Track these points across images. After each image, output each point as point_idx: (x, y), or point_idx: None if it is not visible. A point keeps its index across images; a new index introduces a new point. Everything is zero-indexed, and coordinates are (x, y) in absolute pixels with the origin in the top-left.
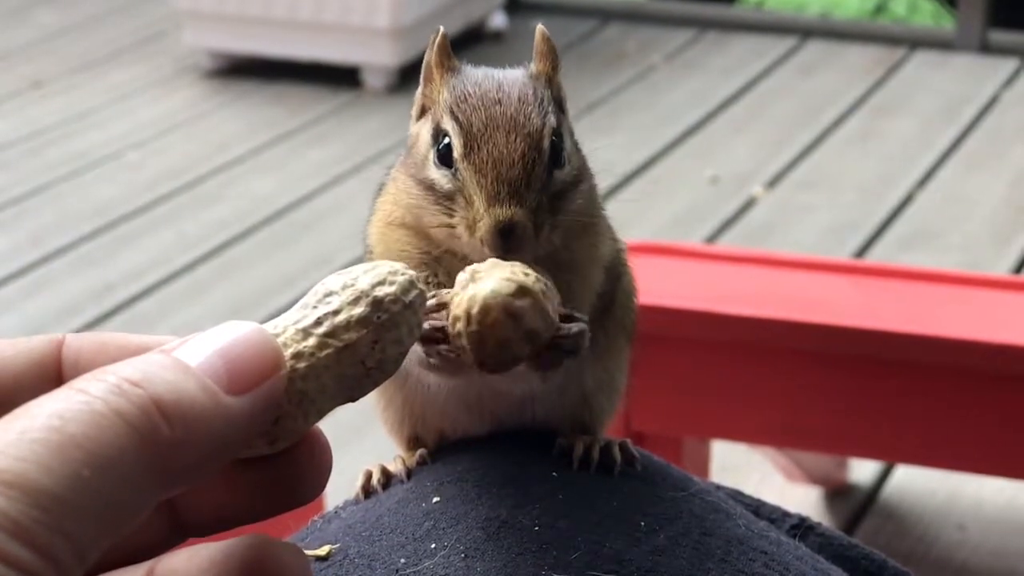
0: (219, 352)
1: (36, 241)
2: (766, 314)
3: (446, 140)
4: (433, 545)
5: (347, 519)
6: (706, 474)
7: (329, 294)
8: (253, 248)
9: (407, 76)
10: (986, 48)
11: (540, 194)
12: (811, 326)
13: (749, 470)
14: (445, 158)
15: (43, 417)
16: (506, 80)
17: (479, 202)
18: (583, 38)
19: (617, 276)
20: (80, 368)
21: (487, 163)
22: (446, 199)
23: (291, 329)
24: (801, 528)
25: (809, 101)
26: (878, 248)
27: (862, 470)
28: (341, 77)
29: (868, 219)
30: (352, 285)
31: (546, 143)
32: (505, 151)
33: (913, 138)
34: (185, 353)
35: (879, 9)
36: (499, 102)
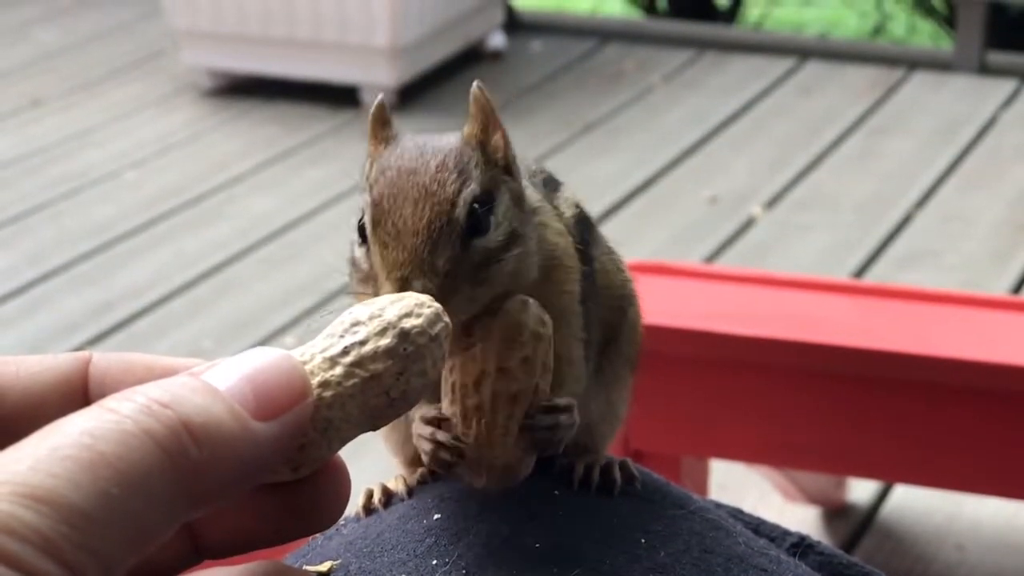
0: (247, 377)
1: (35, 259)
2: (765, 333)
3: (362, 217)
4: (435, 561)
5: (348, 535)
6: (704, 493)
7: (356, 324)
8: (252, 267)
9: (406, 95)
10: (984, 69)
11: (452, 263)
12: (810, 346)
13: (747, 489)
14: (363, 235)
15: (74, 435)
16: (432, 148)
17: (381, 276)
18: (581, 58)
19: (623, 309)
20: (106, 387)
21: (391, 235)
22: (367, 279)
23: (318, 357)
24: (801, 547)
25: (808, 121)
26: (877, 268)
27: (860, 490)
28: (340, 96)
29: (867, 239)
30: (379, 316)
31: (459, 211)
32: (410, 221)
33: (912, 158)
34: (214, 377)
35: (878, 30)
36: (414, 172)
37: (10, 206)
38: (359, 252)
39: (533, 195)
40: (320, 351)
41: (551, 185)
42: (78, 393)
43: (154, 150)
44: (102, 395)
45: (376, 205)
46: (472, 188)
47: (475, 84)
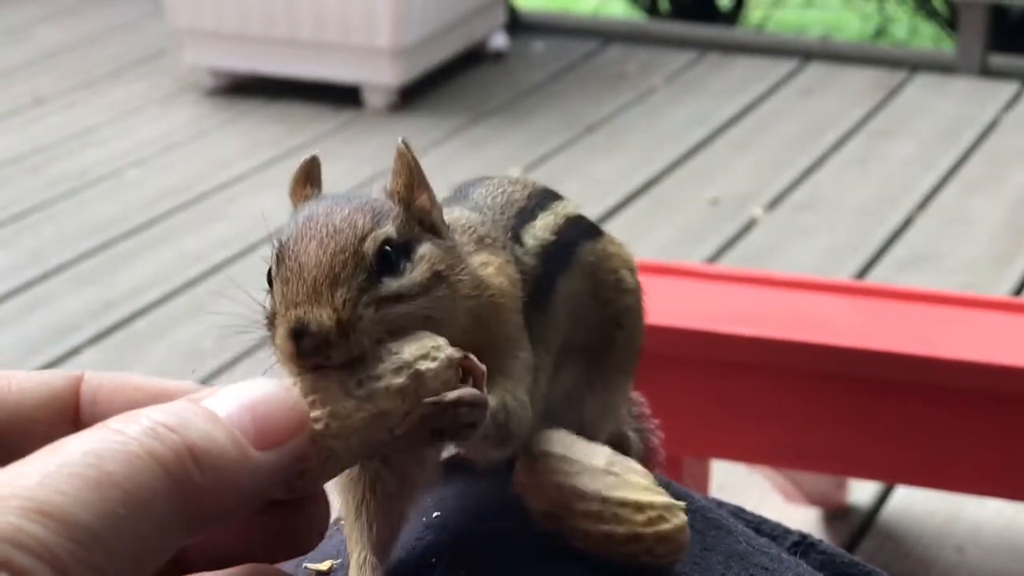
0: (247, 407)
1: (36, 258)
2: (766, 334)
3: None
4: (434, 559)
5: None
6: (705, 493)
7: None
8: (253, 266)
9: (408, 96)
10: (986, 71)
11: (356, 295)
12: (811, 346)
13: (748, 490)
14: (270, 280)
15: (80, 454)
16: (353, 197)
17: (279, 314)
18: (584, 59)
19: (618, 324)
20: (98, 405)
21: (292, 270)
22: (271, 324)
23: (332, 387)
24: (802, 545)
25: (809, 123)
26: (877, 270)
27: (861, 491)
28: (342, 96)
29: (868, 241)
30: (396, 353)
31: (368, 246)
32: (313, 257)
33: (913, 160)
34: (215, 404)
35: (880, 32)
36: (327, 214)
37: (11, 205)
38: (267, 298)
39: (483, 231)
40: (335, 380)
41: (543, 204)
42: (69, 410)
43: (156, 149)
44: (93, 413)
45: (283, 244)
46: (387, 229)
47: (400, 140)
